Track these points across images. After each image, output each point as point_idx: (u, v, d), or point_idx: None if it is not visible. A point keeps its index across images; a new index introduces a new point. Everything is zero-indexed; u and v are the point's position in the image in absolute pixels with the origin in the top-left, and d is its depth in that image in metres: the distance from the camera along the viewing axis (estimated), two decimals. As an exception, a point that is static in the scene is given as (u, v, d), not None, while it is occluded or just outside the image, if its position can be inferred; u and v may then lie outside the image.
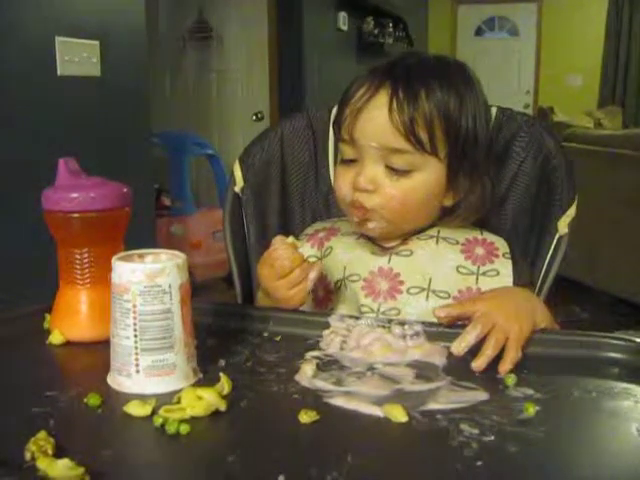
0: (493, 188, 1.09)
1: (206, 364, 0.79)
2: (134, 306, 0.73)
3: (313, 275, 0.96)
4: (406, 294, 1.03)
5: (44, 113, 2.41)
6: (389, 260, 1.06)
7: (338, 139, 1.08)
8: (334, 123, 1.11)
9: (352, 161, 1.04)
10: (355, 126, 1.01)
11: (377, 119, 1.00)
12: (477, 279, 1.03)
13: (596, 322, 3.49)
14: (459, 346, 0.82)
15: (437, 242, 1.06)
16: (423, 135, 0.99)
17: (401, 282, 1.04)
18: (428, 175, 1.02)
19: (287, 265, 0.96)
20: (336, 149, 1.14)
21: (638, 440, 0.64)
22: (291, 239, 0.98)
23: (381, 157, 1.01)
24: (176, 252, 0.79)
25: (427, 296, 1.03)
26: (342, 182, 1.05)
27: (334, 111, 1.21)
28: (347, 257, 1.08)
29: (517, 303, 0.90)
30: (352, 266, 1.07)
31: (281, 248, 0.97)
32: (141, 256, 0.79)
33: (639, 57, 8.66)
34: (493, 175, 1.10)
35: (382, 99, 1.00)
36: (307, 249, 1.12)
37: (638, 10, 8.60)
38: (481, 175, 1.06)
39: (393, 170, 1.01)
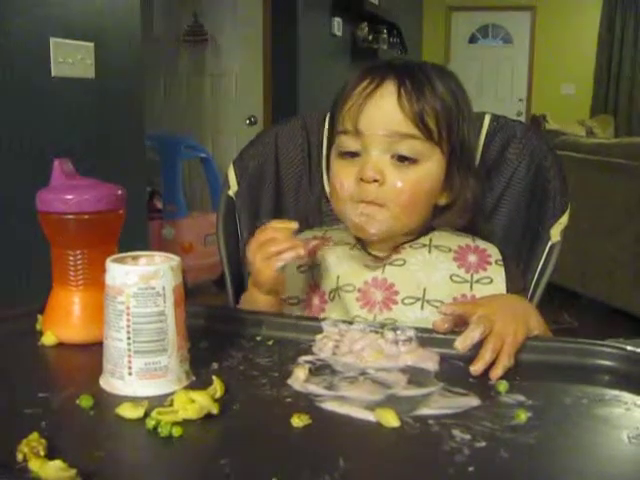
0: (483, 191, 1.11)
1: (199, 367, 0.79)
2: (127, 308, 0.73)
3: (288, 255, 0.95)
4: (401, 304, 1.03)
5: (38, 114, 2.40)
6: (383, 270, 1.05)
7: (336, 133, 1.06)
8: (331, 118, 1.10)
9: (353, 155, 1.03)
10: (361, 116, 1.01)
11: (386, 107, 1.00)
12: (471, 287, 1.03)
13: (587, 330, 3.50)
14: (464, 342, 0.82)
15: (430, 251, 1.06)
16: (431, 123, 1.00)
17: (396, 292, 1.04)
18: (432, 166, 1.02)
19: (268, 235, 0.96)
20: (328, 150, 1.12)
21: (629, 447, 0.64)
22: (288, 222, 0.98)
23: (387, 146, 1.00)
24: (170, 255, 0.79)
25: (422, 306, 1.02)
26: (345, 176, 1.03)
27: (328, 117, 1.22)
28: (340, 267, 1.07)
29: (512, 309, 0.90)
30: (346, 276, 1.06)
31: (272, 226, 0.98)
32: (135, 258, 0.79)
33: (631, 67, 8.71)
34: (483, 178, 1.11)
35: (389, 88, 1.00)
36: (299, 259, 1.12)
37: (630, 20, 8.65)
38: (473, 175, 1.07)
39: (400, 159, 1.00)
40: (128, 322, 0.73)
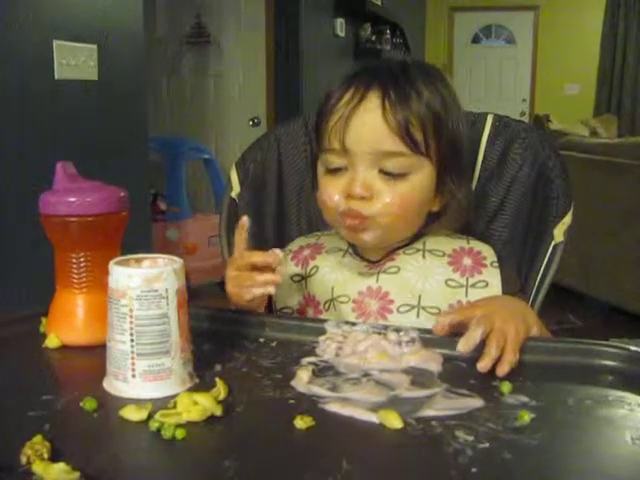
0: (472, 194, 1.11)
1: (202, 369, 0.79)
2: (131, 311, 0.73)
3: (258, 291, 0.94)
4: (396, 313, 1.02)
5: (41, 117, 2.41)
6: (377, 279, 1.05)
7: (323, 149, 1.04)
8: (316, 129, 1.08)
9: (340, 169, 1.01)
10: (346, 133, 0.99)
11: (371, 123, 0.98)
12: (467, 291, 1.03)
13: (590, 330, 3.50)
14: (466, 344, 0.81)
15: (424, 256, 1.05)
16: (418, 135, 0.98)
17: (391, 301, 1.03)
18: (422, 177, 1.01)
19: (247, 261, 0.95)
20: (316, 160, 1.10)
21: (632, 448, 0.64)
22: (277, 251, 0.95)
23: (375, 162, 0.98)
24: (173, 257, 0.79)
25: (418, 313, 1.02)
26: (333, 191, 1.02)
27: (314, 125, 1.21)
28: (334, 277, 1.07)
29: (510, 309, 0.90)
30: (340, 287, 1.06)
31: (258, 253, 0.96)
32: (138, 261, 0.79)
33: (634, 66, 8.70)
34: (470, 180, 1.12)
35: (373, 101, 0.98)
36: (291, 267, 1.11)
37: (634, 19, 8.64)
38: (465, 178, 1.07)
39: (388, 174, 0.99)
40: (131, 324, 0.73)
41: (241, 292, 0.96)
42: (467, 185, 1.08)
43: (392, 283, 1.04)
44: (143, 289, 0.73)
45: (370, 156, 0.98)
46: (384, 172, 0.99)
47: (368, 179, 0.99)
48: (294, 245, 1.17)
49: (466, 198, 1.07)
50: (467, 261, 1.05)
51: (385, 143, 0.98)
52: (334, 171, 1.02)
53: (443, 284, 1.03)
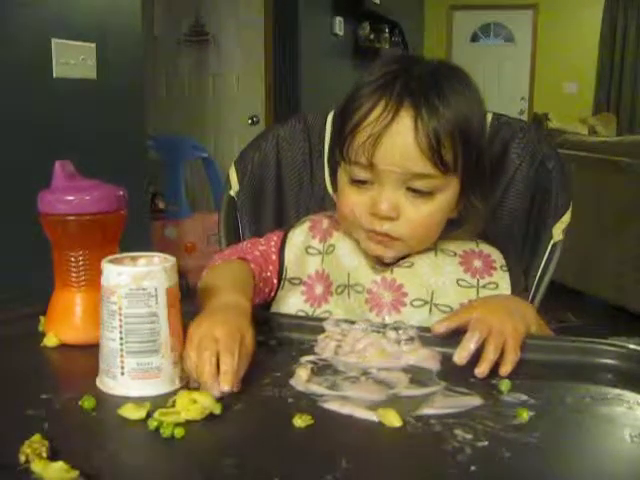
0: (494, 197, 1.10)
1: (201, 367, 0.79)
2: (120, 308, 0.73)
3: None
4: (410, 307, 1.02)
5: (40, 115, 2.40)
6: (392, 271, 1.03)
7: (348, 162, 0.98)
8: (339, 141, 1.00)
9: (364, 182, 0.98)
10: (376, 151, 0.93)
11: (402, 144, 0.93)
12: (477, 292, 1.02)
13: (589, 328, 3.50)
14: (462, 355, 0.81)
15: (436, 254, 1.05)
16: (448, 157, 0.94)
17: (404, 294, 1.02)
18: (448, 194, 0.98)
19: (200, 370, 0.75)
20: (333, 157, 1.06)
21: (631, 446, 0.64)
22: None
23: (403, 181, 0.95)
24: (167, 255, 0.79)
25: (430, 310, 1.01)
26: (356, 206, 0.99)
27: (330, 117, 1.21)
28: (350, 263, 1.05)
29: (508, 306, 0.90)
30: (356, 274, 1.04)
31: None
32: (134, 259, 0.79)
33: (633, 65, 8.70)
34: (493, 181, 1.10)
35: (406, 122, 0.92)
36: (308, 238, 1.09)
37: (633, 18, 8.64)
38: (487, 189, 1.05)
39: (415, 192, 0.96)
40: (120, 322, 0.73)
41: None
42: (488, 195, 1.06)
43: (406, 275, 1.03)
44: (131, 287, 0.73)
45: (398, 175, 0.95)
46: (411, 189, 0.96)
47: (395, 198, 0.96)
48: (306, 218, 1.14)
49: (485, 207, 1.05)
50: (477, 263, 1.05)
51: (416, 165, 0.94)
52: (358, 182, 0.99)
53: (454, 283, 1.03)
